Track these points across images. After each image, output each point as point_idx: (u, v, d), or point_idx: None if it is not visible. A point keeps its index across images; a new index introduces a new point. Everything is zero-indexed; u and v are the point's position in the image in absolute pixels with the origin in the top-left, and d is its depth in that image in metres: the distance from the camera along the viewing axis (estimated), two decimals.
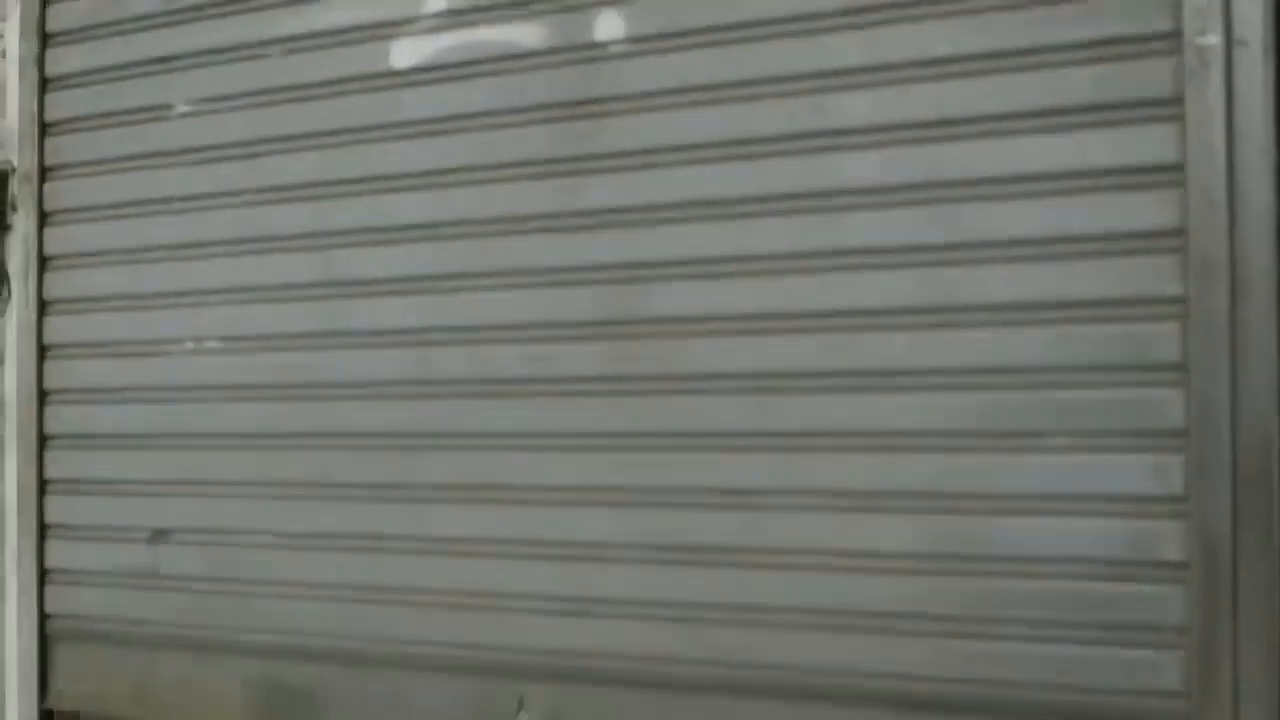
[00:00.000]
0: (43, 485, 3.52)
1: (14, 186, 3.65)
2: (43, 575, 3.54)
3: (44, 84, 3.57)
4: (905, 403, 2.63)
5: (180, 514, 3.33)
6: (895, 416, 2.63)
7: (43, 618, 3.54)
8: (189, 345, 3.31)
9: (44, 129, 3.55)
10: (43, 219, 3.55)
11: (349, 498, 3.12)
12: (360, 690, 3.11)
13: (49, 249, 3.53)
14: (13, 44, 3.66)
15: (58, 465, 3.50)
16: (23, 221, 3.62)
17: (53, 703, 3.58)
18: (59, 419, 3.51)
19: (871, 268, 2.65)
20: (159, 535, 3.35)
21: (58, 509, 3.51)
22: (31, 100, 3.59)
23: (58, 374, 3.51)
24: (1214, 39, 2.33)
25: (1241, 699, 2.38)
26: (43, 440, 3.55)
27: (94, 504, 3.45)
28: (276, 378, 3.19)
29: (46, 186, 3.54)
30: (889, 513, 2.64)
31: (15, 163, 3.63)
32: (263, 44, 3.21)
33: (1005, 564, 2.56)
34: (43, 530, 3.53)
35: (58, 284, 3.51)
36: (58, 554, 3.52)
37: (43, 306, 3.54)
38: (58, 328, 3.50)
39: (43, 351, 3.54)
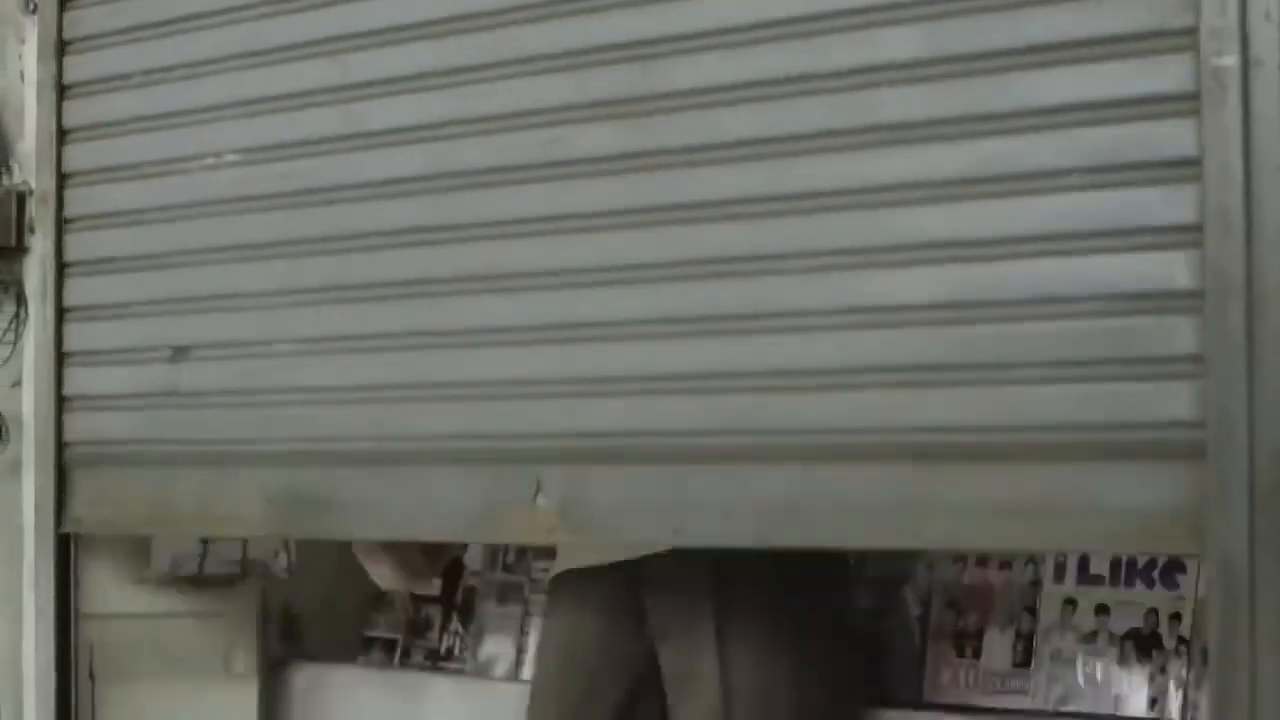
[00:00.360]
0: (61, 313, 3.57)
1: (31, 208, 3.67)
2: (60, 403, 3.58)
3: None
4: (917, 155, 2.61)
5: (200, 330, 3.35)
6: (908, 168, 2.62)
7: (60, 446, 3.58)
8: (209, 161, 3.35)
9: None
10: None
11: (366, 298, 3.12)
12: (376, 489, 3.11)
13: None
14: (30, 66, 3.69)
15: (75, 293, 3.55)
16: (40, 242, 3.66)
17: (70, 528, 3.60)
18: (77, 247, 3.55)
19: (881, 24, 2.65)
20: (179, 353, 3.37)
21: (76, 336, 3.55)
22: (50, 119, 3.64)
23: (75, 201, 3.56)
24: (1230, 59, 2.32)
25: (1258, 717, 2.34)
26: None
27: (114, 328, 3.49)
28: (294, 185, 3.21)
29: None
30: (904, 266, 2.61)
31: (33, 184, 3.67)
32: None
33: (1020, 307, 2.53)
34: (61, 359, 3.57)
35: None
36: (76, 381, 3.56)
37: (63, 135, 3.59)
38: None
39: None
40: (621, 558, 3.16)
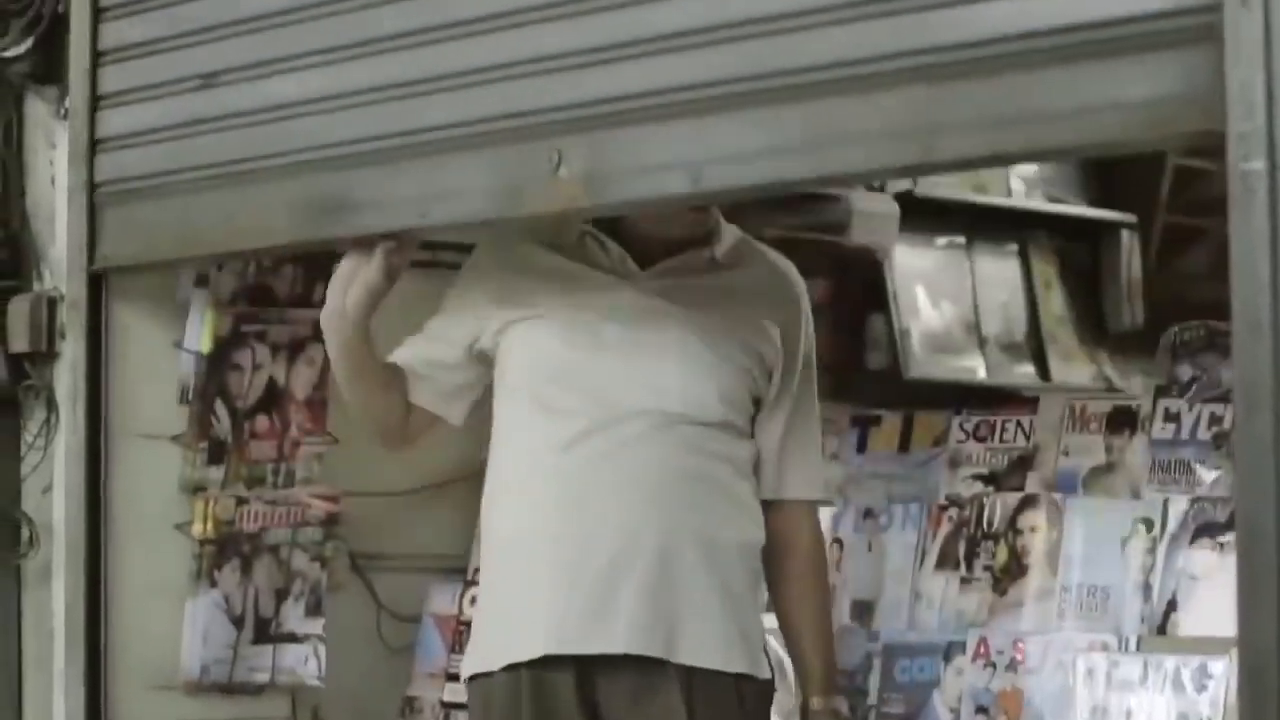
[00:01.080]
0: (96, 57, 3.64)
1: (62, 314, 3.74)
2: (93, 145, 3.63)
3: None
4: None
5: (227, 57, 3.42)
6: None
7: (91, 187, 3.62)
8: None
9: None
10: None
11: (375, 4, 3.18)
12: (394, 184, 3.14)
13: None
14: (61, 172, 3.78)
15: (109, 37, 3.64)
16: (70, 347, 3.72)
17: (100, 264, 3.64)
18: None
19: None
20: (206, 80, 3.42)
21: (109, 78, 3.62)
22: (80, 228, 3.69)
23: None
24: (1258, 164, 2.31)
25: None
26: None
27: (145, 65, 3.57)
28: None
29: None
30: None
31: (63, 290, 3.74)
32: None
33: None
34: (95, 102, 3.64)
35: None
36: (108, 123, 3.63)
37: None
38: None
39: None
40: (568, 651, 3.03)
